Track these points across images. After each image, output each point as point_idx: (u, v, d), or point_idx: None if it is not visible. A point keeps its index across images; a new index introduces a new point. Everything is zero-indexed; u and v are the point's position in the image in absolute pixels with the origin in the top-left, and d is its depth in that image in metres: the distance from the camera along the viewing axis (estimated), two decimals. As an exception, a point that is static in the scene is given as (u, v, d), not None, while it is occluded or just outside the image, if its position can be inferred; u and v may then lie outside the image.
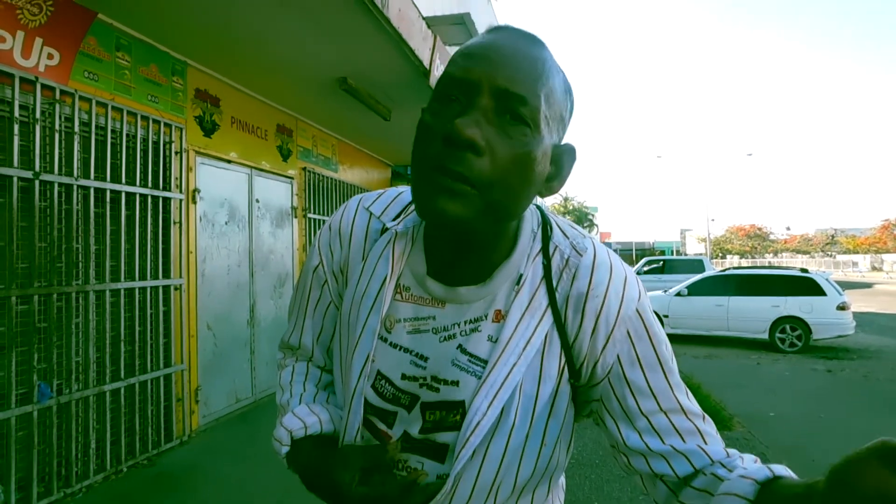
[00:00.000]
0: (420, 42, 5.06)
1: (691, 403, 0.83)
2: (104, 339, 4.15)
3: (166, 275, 4.75)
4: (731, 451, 0.81)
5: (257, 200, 6.27)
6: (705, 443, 0.81)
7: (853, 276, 49.36)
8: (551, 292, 0.81)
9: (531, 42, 0.74)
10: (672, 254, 42.32)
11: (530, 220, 0.85)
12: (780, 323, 11.00)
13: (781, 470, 0.72)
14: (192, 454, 4.70)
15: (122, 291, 4.31)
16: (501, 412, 0.78)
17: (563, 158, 0.80)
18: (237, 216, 5.92)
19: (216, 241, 5.56)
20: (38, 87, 3.61)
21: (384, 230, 0.89)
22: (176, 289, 4.85)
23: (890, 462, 0.51)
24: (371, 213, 0.92)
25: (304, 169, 7.29)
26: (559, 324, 0.80)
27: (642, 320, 0.81)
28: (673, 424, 0.80)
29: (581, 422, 0.91)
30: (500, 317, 0.81)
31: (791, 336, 10.89)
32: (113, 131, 4.23)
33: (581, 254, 0.82)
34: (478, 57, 0.71)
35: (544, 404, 0.81)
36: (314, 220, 7.49)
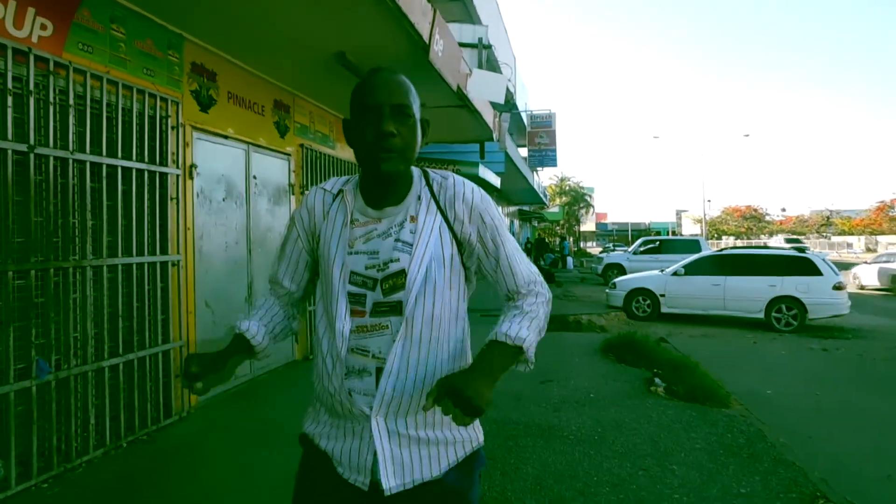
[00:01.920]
0: (420, 17, 4.99)
1: (515, 261, 1.50)
2: (102, 315, 4.13)
3: (164, 251, 4.72)
4: (529, 290, 1.50)
5: (254, 177, 6.22)
6: (513, 277, 1.49)
7: (848, 256, 49.51)
8: (437, 201, 1.44)
9: (398, 74, 1.41)
10: (668, 234, 42.41)
11: (416, 171, 1.48)
12: (776, 303, 11.05)
13: (502, 333, 1.40)
14: (192, 431, 4.71)
15: (120, 267, 4.28)
16: (427, 270, 1.37)
17: (425, 126, 1.49)
18: (234, 193, 5.88)
19: (213, 218, 5.52)
20: (32, 58, 3.55)
21: (335, 197, 1.50)
22: (174, 265, 4.83)
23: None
24: (325, 191, 1.53)
25: (302, 146, 7.22)
26: (445, 217, 1.43)
27: (487, 210, 1.46)
28: (502, 264, 1.49)
29: (477, 279, 1.58)
30: (413, 219, 1.42)
31: (787, 316, 10.95)
32: (108, 105, 4.17)
33: (446, 178, 1.48)
34: (376, 89, 1.37)
35: (448, 262, 1.41)
36: (312, 197, 7.43)
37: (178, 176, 4.88)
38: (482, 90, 7.20)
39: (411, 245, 1.37)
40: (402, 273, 1.36)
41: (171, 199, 4.81)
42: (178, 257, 4.85)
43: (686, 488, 3.72)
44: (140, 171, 4.47)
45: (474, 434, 1.49)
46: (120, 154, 4.26)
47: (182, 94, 4.99)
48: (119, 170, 4.26)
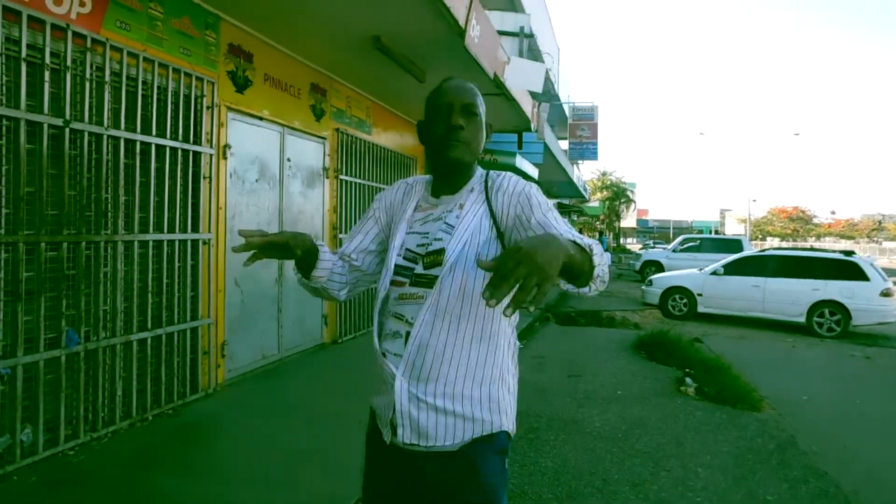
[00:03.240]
0: (456, 1, 4.92)
1: (559, 225, 1.49)
2: (132, 290, 4.20)
3: (195, 229, 4.78)
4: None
5: (288, 159, 6.25)
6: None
7: (900, 263, 47.69)
8: (486, 193, 1.60)
9: (466, 82, 1.63)
10: (711, 233, 41.42)
11: (479, 170, 1.67)
12: (818, 307, 10.69)
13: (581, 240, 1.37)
14: (217, 407, 4.77)
15: (151, 243, 4.35)
16: (462, 248, 1.51)
17: (488, 129, 1.69)
18: (268, 174, 5.92)
19: (246, 199, 5.57)
20: (70, 34, 3.61)
21: (413, 187, 1.73)
22: (204, 243, 4.89)
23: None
24: (407, 183, 1.77)
25: (338, 130, 7.23)
26: (489, 205, 1.57)
27: (525, 194, 1.55)
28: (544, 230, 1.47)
29: None
30: (461, 207, 1.59)
31: (829, 321, 10.59)
32: (144, 83, 4.23)
33: (500, 176, 1.63)
34: (449, 91, 1.60)
35: (484, 243, 1.53)
36: (346, 181, 7.46)
37: (211, 155, 4.93)
38: (520, 79, 7.10)
39: (453, 227, 1.55)
40: (442, 251, 1.52)
41: (204, 178, 4.87)
42: (209, 236, 4.91)
43: (709, 491, 3.62)
44: (174, 150, 4.52)
45: (498, 419, 1.54)
46: (154, 132, 4.32)
47: (218, 75, 5.03)
48: (153, 147, 4.31)
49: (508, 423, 1.57)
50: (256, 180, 5.72)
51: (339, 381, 5.66)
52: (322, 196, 7.01)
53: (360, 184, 7.80)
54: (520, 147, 11.59)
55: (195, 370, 4.83)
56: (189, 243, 4.73)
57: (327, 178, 7.09)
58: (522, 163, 11.55)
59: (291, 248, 1.51)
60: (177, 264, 4.61)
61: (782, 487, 3.69)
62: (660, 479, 3.81)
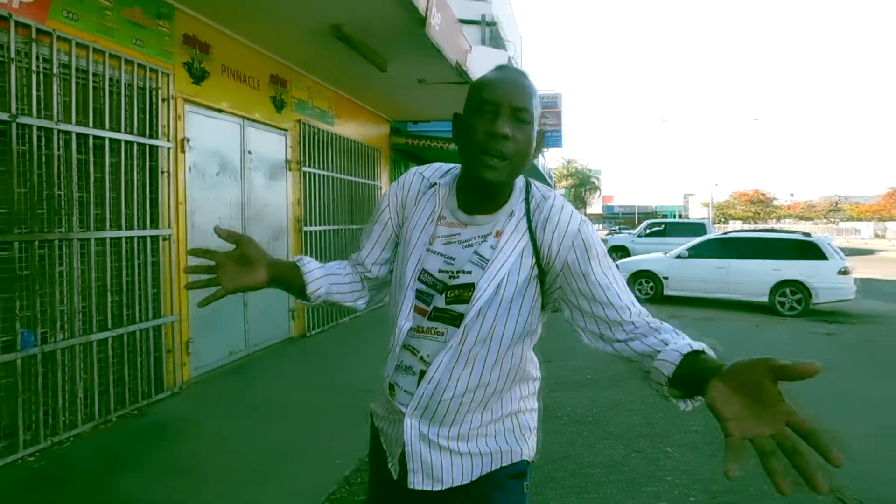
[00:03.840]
0: (416, -13, 4.87)
1: (620, 288, 1.28)
2: (90, 289, 4.08)
3: (154, 225, 4.65)
4: (660, 323, 1.26)
5: (250, 152, 6.13)
6: (630, 313, 1.26)
7: (855, 242, 49.16)
8: (529, 221, 1.31)
9: (523, 76, 1.29)
10: (675, 218, 42.14)
11: (520, 181, 1.35)
12: (780, 287, 10.92)
13: (700, 346, 1.13)
14: (184, 405, 4.68)
15: (109, 240, 4.22)
16: (497, 288, 1.26)
17: (540, 139, 1.33)
18: (229, 167, 5.80)
19: (207, 193, 5.45)
20: (13, 24, 3.46)
21: (431, 186, 1.40)
22: (165, 239, 4.77)
23: (771, 371, 0.86)
24: (423, 177, 1.43)
25: (300, 121, 7.12)
26: (533, 239, 1.29)
27: (582, 237, 1.28)
28: (607, 298, 1.27)
29: (548, 313, 1.39)
30: (498, 234, 1.30)
31: (791, 300, 10.82)
32: (95, 75, 4.09)
33: (546, 199, 1.33)
34: (498, 87, 1.24)
35: (522, 284, 1.28)
36: (310, 173, 7.35)
37: (169, 149, 4.80)
38: (483, 67, 7.06)
39: (488, 261, 1.28)
40: (471, 287, 1.28)
41: (163, 172, 4.74)
42: (169, 231, 4.79)
43: (679, 471, 3.67)
44: (129, 144, 4.39)
45: (518, 448, 1.39)
46: (108, 125, 4.18)
47: (173, 66, 4.89)
48: (107, 141, 4.18)
49: (529, 451, 1.41)
50: (217, 174, 5.60)
51: (309, 376, 5.60)
52: (285, 189, 6.91)
53: (324, 175, 7.71)
54: (484, 136, 11.55)
55: (160, 369, 4.72)
56: (149, 239, 4.60)
57: (290, 170, 6.98)
58: (488, 151, 11.52)
59: (270, 267, 1.33)
60: (137, 261, 4.49)
61: (749, 464, 3.74)
62: (631, 460, 3.85)
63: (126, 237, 4.38)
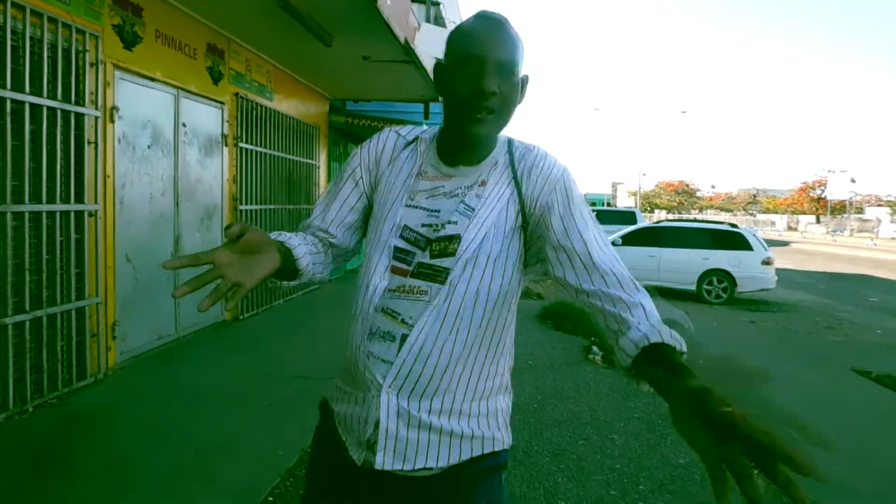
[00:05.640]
0: (368, -41, 4.67)
1: (599, 244, 1.22)
2: (5, 267, 3.73)
3: (79, 199, 4.31)
4: (634, 291, 1.18)
5: (184, 125, 5.79)
6: (601, 273, 1.19)
7: (771, 234, 51.80)
8: (513, 170, 1.28)
9: (506, 25, 1.23)
10: (603, 206, 43.18)
11: (502, 137, 1.33)
12: (707, 275, 11.33)
13: (659, 338, 1.04)
14: (108, 393, 4.39)
15: (27, 215, 3.87)
16: (483, 238, 1.21)
17: (524, 84, 1.28)
18: (161, 140, 5.45)
19: (137, 166, 5.10)
20: (-81, -31, 3.08)
21: (408, 145, 1.36)
22: (90, 215, 4.43)
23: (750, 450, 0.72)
24: (399, 135, 1.38)
25: (237, 95, 6.79)
26: (518, 187, 1.26)
27: (564, 183, 1.25)
28: (586, 249, 1.20)
29: (531, 272, 1.32)
30: (483, 184, 1.27)
31: (717, 288, 11.25)
32: (14, 32, 3.72)
33: (530, 150, 1.31)
34: (482, 39, 1.20)
35: (508, 235, 1.24)
36: (247, 150, 7.03)
37: (96, 118, 4.45)
38: (430, 46, 6.92)
39: (474, 210, 1.23)
40: (457, 238, 1.21)
41: (89, 142, 4.39)
42: (95, 207, 4.46)
43: (626, 458, 3.70)
44: (52, 110, 4.03)
45: (500, 435, 1.30)
46: (28, 89, 3.82)
47: (102, 28, 4.52)
48: (27, 106, 3.82)
49: (508, 439, 1.33)
50: (149, 146, 5.25)
51: (243, 362, 5.37)
52: (221, 165, 6.58)
53: (261, 152, 7.39)
54: (426, 117, 11.42)
55: (82, 354, 4.40)
56: (73, 215, 4.26)
57: (226, 145, 6.65)
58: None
59: (261, 244, 1.08)
60: (59, 238, 4.15)
61: (692, 451, 3.82)
62: (578, 447, 3.86)
63: (47, 212, 4.03)
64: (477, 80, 1.17)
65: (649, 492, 3.33)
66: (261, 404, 4.25)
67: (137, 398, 4.33)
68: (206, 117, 6.25)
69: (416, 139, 1.36)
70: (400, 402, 1.20)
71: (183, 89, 5.73)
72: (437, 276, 1.21)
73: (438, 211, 1.25)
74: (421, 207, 1.27)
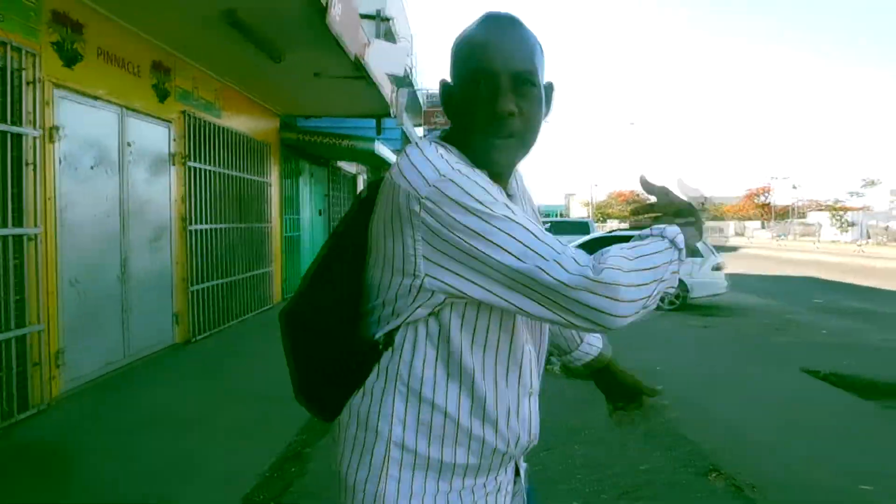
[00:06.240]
0: (316, -25, 4.65)
1: None
2: (-61, 296, 3.56)
3: (18, 223, 4.14)
4: None
5: (130, 144, 5.63)
6: None
7: (720, 240, 53.25)
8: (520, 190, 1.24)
9: (519, 26, 1.05)
10: (557, 216, 43.82)
11: None
12: (660, 282, 11.54)
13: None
14: (55, 424, 4.21)
15: (-38, 240, 3.70)
16: None
17: (550, 93, 1.12)
18: (106, 160, 5.29)
19: (81, 187, 4.94)
20: None
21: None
22: (31, 239, 4.26)
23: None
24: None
25: (185, 112, 6.65)
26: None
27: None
28: None
29: None
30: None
31: (670, 295, 11.47)
32: (-55, 50, 3.57)
33: (517, 170, 1.22)
34: (492, 50, 1.01)
35: None
36: (196, 168, 6.89)
37: (35, 138, 4.29)
38: (381, 62, 6.93)
39: None
40: None
41: (28, 164, 4.23)
42: (36, 230, 4.28)
43: (590, 467, 3.72)
44: (-13, 131, 3.88)
45: None
46: (-39, 109, 3.67)
47: (40, 46, 4.38)
48: (-40, 127, 3.66)
49: None
50: (93, 167, 5.09)
51: (197, 385, 5.23)
52: (169, 184, 6.43)
53: (210, 171, 7.25)
54: (379, 133, 11.41)
55: (24, 384, 4.20)
56: (11, 239, 4.09)
57: (174, 164, 6.50)
58: (381, 149, 11.38)
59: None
60: (-4, 264, 3.97)
61: (654, 455, 3.87)
62: (540, 457, 3.85)
63: (-16, 236, 3.86)
64: (491, 102, 1.01)
65: (612, 499, 3.34)
66: (215, 427, 4.12)
67: (84, 427, 4.16)
68: (153, 136, 6.10)
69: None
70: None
71: (128, 108, 5.59)
72: None
73: None
74: None
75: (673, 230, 1.03)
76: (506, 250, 0.91)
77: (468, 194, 0.92)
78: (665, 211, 1.11)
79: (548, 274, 0.89)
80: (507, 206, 0.95)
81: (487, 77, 1.01)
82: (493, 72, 1.01)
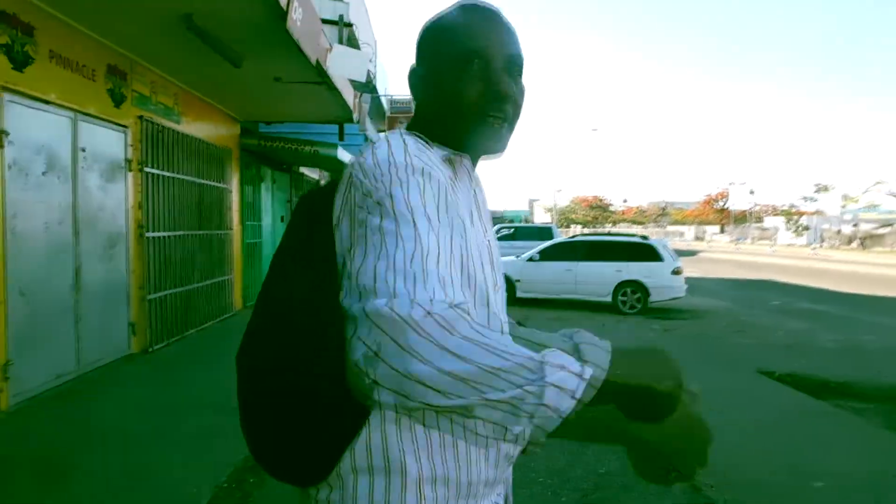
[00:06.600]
0: (276, -20, 4.61)
1: None
2: None
3: (-36, 231, 4.00)
4: None
5: (83, 150, 5.49)
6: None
7: (680, 244, 54.33)
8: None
9: (504, 17, 1.02)
10: (521, 222, 44.12)
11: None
12: (622, 286, 11.73)
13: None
14: (1, 440, 4.06)
15: None
16: None
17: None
18: (58, 166, 5.15)
19: (31, 195, 4.79)
20: None
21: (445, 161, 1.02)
22: (-23, 248, 4.12)
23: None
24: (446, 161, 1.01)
25: (142, 118, 6.51)
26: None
27: None
28: None
29: None
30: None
31: (632, 299, 11.65)
32: None
33: None
34: (487, 31, 0.98)
35: None
36: (154, 174, 6.75)
37: (-18, 143, 4.16)
38: (343, 67, 6.88)
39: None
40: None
41: (-26, 170, 4.10)
42: (-18, 239, 4.15)
43: (551, 472, 3.75)
44: (-69, 136, 3.74)
45: None
46: None
47: (-12, 48, 4.25)
48: None
49: None
50: (44, 173, 4.95)
51: (153, 397, 5.10)
52: (125, 190, 6.28)
53: (168, 177, 7.11)
54: (341, 139, 11.35)
55: (-30, 399, 4.06)
56: (-44, 248, 3.95)
57: (130, 170, 6.36)
58: (344, 155, 11.29)
59: None
60: (-60, 274, 3.83)
61: (612, 459, 3.91)
62: (501, 466, 3.87)
63: (-74, 246, 3.72)
64: (488, 82, 0.96)
65: (571, 502, 3.37)
66: (171, 440, 4.03)
67: (33, 442, 4.03)
68: (108, 141, 5.96)
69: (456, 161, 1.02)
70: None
71: (81, 112, 5.45)
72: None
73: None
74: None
75: (590, 348, 0.79)
76: (384, 258, 0.78)
77: (402, 189, 0.83)
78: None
79: (389, 300, 0.73)
80: (429, 219, 0.82)
81: (482, 56, 0.96)
82: (488, 52, 0.97)
